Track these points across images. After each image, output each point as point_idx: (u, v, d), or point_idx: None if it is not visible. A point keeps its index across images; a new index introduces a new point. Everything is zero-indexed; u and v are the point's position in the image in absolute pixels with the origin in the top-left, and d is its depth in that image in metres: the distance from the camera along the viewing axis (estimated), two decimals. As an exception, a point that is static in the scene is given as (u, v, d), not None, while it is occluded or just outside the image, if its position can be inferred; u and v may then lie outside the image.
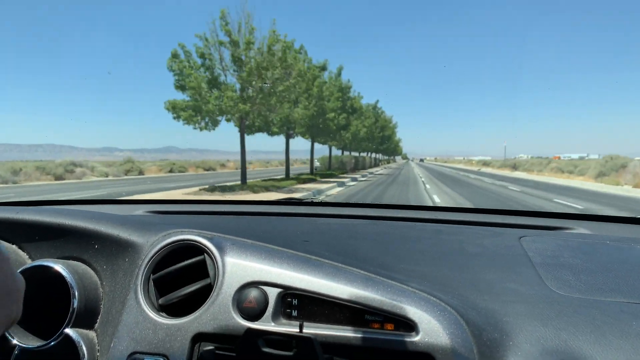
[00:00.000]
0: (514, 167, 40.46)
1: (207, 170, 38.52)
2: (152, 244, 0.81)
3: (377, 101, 44.10)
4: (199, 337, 0.70)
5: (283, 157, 22.79)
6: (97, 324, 0.79)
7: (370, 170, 41.71)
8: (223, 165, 43.91)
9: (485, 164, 62.26)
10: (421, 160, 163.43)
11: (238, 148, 17.04)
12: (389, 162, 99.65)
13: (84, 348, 0.75)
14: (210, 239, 0.79)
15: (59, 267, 0.79)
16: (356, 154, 45.25)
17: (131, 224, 0.88)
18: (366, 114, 36.09)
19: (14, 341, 0.76)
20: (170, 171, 33.68)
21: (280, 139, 23.94)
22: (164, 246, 0.80)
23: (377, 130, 43.74)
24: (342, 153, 38.92)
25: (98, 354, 0.76)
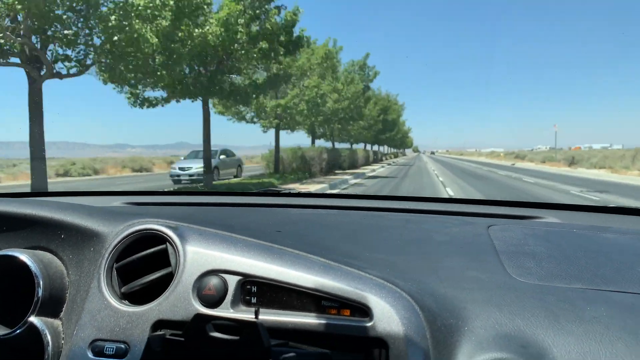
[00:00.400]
0: (572, 162, 28.20)
1: (138, 171, 24.20)
2: (116, 233, 0.82)
3: (367, 55, 24.39)
4: (159, 325, 0.71)
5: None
6: (62, 313, 0.80)
7: (361, 170, 25.73)
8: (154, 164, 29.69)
9: (518, 157, 45.99)
10: (432, 153, 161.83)
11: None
12: (396, 157, 76.33)
13: (49, 336, 0.76)
14: (172, 228, 0.80)
15: (24, 256, 0.80)
16: (346, 145, 30.03)
17: (98, 214, 0.89)
18: (348, 76, 21.12)
19: None
20: (65, 174, 19.89)
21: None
22: (127, 235, 0.81)
23: (370, 105, 27.49)
24: (313, 143, 22.76)
25: (62, 341, 0.78)
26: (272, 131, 16.99)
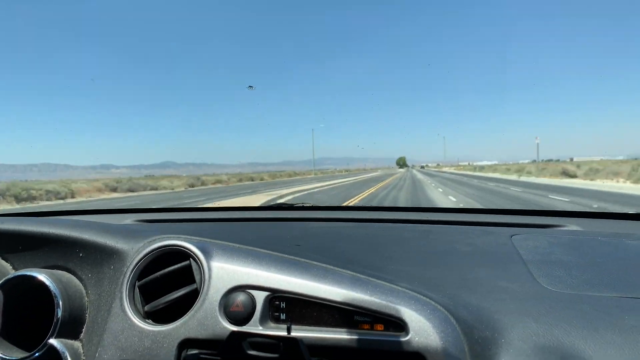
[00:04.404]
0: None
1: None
2: (137, 250, 0.80)
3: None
4: (186, 344, 0.69)
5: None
6: (82, 334, 0.78)
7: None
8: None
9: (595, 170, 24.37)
10: (422, 167, 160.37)
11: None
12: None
13: (69, 358, 0.73)
14: (196, 244, 0.78)
15: (42, 276, 0.78)
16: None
17: (116, 231, 0.87)
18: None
19: None
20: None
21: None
22: (149, 252, 0.79)
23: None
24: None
25: None
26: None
